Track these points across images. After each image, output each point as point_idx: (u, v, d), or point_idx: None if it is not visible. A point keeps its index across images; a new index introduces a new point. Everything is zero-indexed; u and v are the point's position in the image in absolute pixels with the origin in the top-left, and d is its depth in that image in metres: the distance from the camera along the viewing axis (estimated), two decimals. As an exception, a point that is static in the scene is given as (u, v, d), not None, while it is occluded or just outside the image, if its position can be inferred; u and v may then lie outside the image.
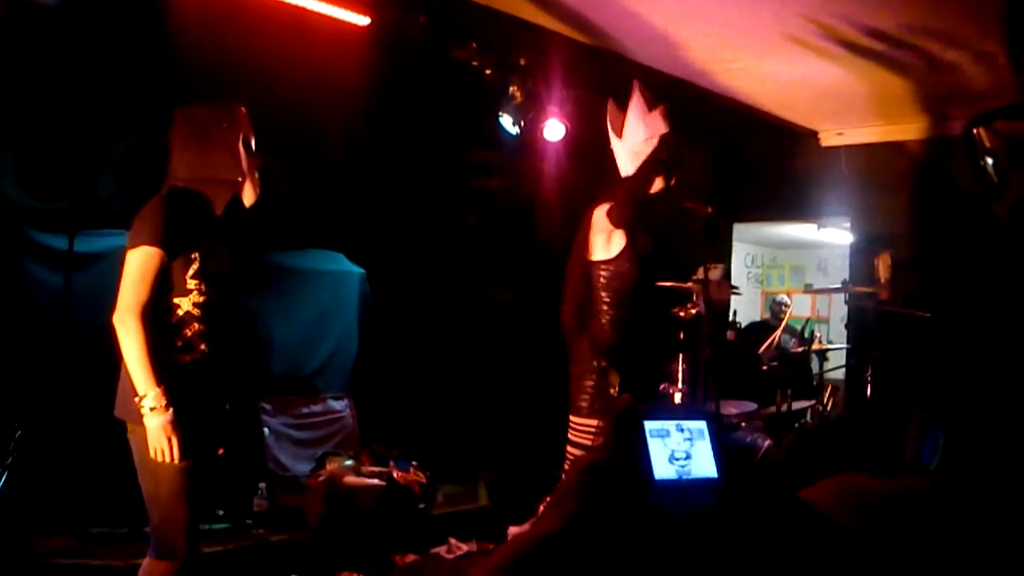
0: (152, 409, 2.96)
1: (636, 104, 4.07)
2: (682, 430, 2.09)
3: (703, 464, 2.10)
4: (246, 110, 3.27)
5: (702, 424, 2.14)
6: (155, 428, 2.97)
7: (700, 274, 4.18)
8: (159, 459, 2.99)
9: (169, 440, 2.97)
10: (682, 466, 2.06)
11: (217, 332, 3.16)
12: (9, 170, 5.54)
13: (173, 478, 3.04)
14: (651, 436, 2.04)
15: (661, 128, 4.02)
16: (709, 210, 4.10)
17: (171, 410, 2.98)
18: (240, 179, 3.18)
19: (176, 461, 2.99)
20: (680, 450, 2.07)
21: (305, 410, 6.24)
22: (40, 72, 5.30)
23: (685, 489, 2.04)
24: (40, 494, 4.85)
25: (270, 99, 5.33)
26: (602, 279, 3.96)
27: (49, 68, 5.29)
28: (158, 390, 2.96)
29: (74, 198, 5.33)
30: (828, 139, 7.78)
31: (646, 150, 4.00)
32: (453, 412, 6.83)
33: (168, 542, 3.08)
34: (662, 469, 2.03)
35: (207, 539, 4.45)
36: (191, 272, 3.08)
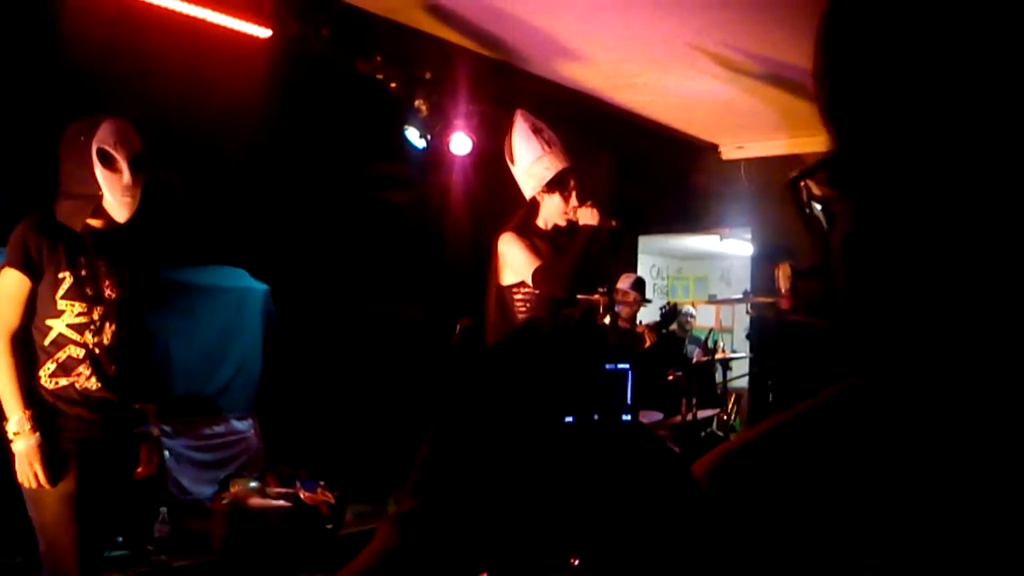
0: (16, 434, 2.89)
1: (519, 128, 4.08)
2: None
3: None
4: (127, 122, 3.12)
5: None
6: (19, 453, 2.90)
7: (616, 282, 4.21)
8: (27, 484, 2.92)
9: (32, 465, 2.89)
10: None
11: (102, 353, 3.06)
12: None
13: (55, 504, 2.96)
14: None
15: (558, 162, 4.02)
16: (614, 223, 4.13)
17: (37, 434, 2.90)
18: (98, 193, 3.03)
19: (45, 486, 2.91)
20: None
21: (207, 431, 6.08)
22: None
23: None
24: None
25: (171, 111, 5.21)
26: (517, 303, 3.96)
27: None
28: (23, 414, 2.89)
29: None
30: (729, 152, 7.95)
31: (536, 172, 4.01)
32: (361, 430, 6.74)
33: (57, 571, 2.98)
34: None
35: (106, 567, 4.29)
36: (61, 292, 2.99)
